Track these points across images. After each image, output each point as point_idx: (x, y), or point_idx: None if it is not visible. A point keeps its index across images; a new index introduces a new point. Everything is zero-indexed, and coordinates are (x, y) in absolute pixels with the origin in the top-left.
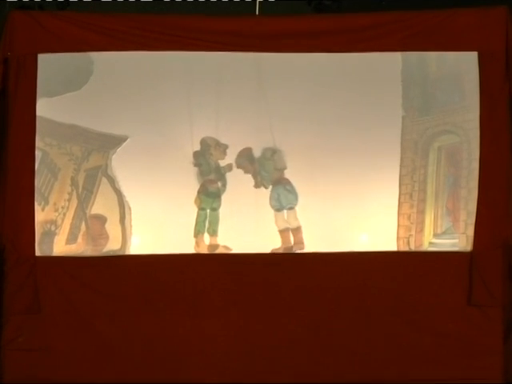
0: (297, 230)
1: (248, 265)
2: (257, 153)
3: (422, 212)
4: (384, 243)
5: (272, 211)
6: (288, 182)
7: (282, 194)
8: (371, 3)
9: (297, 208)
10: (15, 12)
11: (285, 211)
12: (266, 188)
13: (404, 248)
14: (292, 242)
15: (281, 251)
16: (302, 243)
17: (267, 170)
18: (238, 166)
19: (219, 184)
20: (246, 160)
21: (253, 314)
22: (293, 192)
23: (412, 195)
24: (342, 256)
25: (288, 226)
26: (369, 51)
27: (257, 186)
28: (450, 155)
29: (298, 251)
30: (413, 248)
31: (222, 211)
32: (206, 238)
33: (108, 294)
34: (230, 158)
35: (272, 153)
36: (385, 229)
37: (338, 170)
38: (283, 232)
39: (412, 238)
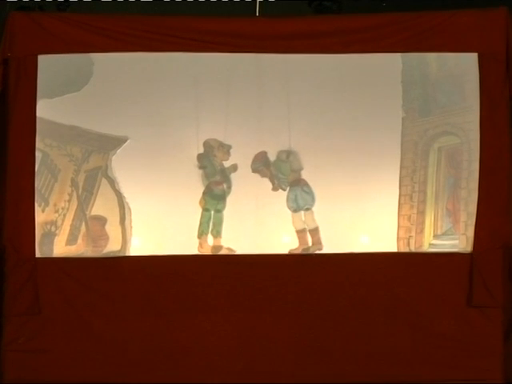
0: (315, 231)
1: (250, 266)
2: (271, 156)
3: (422, 213)
4: (384, 244)
5: (289, 212)
6: (305, 183)
7: (300, 195)
8: (371, 4)
9: (314, 209)
10: (15, 13)
11: (302, 212)
12: (284, 190)
13: (404, 249)
14: (310, 243)
15: (298, 252)
16: (321, 243)
17: (284, 173)
18: (254, 171)
19: (225, 186)
20: (262, 164)
21: (255, 315)
22: (310, 193)
23: (412, 196)
24: (343, 257)
25: (305, 226)
26: (369, 52)
27: (275, 189)
28: (450, 156)
29: (317, 251)
30: (413, 249)
31: (226, 213)
32: (210, 240)
33: (108, 294)
34: (234, 159)
35: (287, 155)
36: (385, 230)
37: (338, 171)
38: (300, 233)
39: (412, 238)
